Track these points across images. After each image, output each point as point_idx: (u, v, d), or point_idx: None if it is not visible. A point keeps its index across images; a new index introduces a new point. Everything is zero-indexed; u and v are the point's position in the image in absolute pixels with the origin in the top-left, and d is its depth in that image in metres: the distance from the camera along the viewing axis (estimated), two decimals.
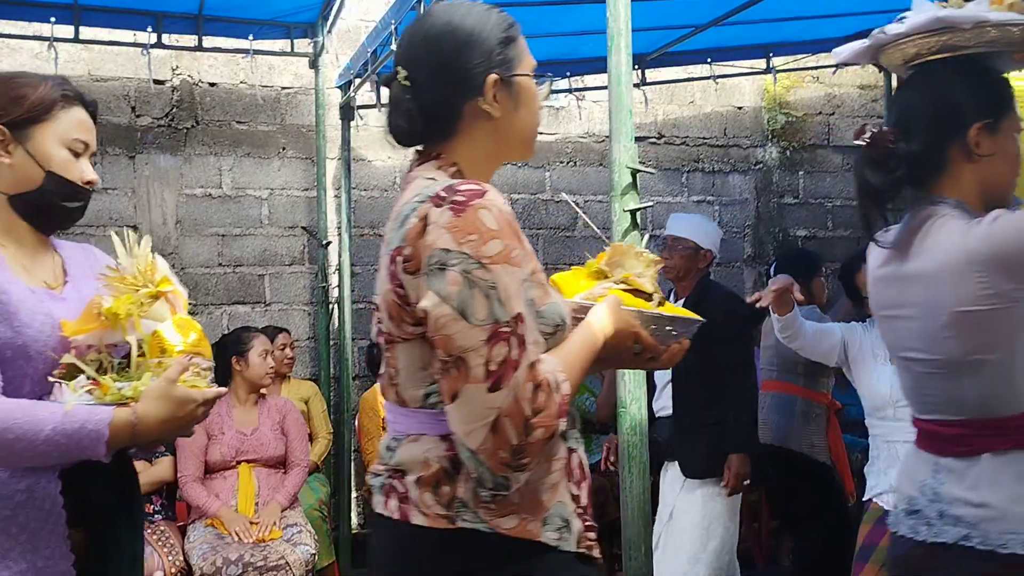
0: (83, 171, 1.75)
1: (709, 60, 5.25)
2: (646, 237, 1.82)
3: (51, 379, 1.64)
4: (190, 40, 4.89)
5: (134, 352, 1.66)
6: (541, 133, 5.87)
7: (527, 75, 1.49)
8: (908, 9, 1.71)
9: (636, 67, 5.19)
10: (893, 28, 1.70)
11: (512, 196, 5.71)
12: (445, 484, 1.36)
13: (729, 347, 3.60)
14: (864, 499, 3.29)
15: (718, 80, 5.40)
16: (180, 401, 1.61)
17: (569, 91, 5.47)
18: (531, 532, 1.37)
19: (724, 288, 4.12)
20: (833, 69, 5.40)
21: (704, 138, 6.13)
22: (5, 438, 1.53)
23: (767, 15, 4.47)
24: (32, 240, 1.76)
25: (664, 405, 3.84)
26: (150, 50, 4.66)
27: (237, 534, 3.75)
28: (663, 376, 3.84)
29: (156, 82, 5.09)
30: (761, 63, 5.34)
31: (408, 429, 1.42)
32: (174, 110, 5.20)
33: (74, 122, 1.74)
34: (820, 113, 6.37)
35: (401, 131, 1.49)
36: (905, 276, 1.71)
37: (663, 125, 6.00)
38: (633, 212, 2.14)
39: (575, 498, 1.42)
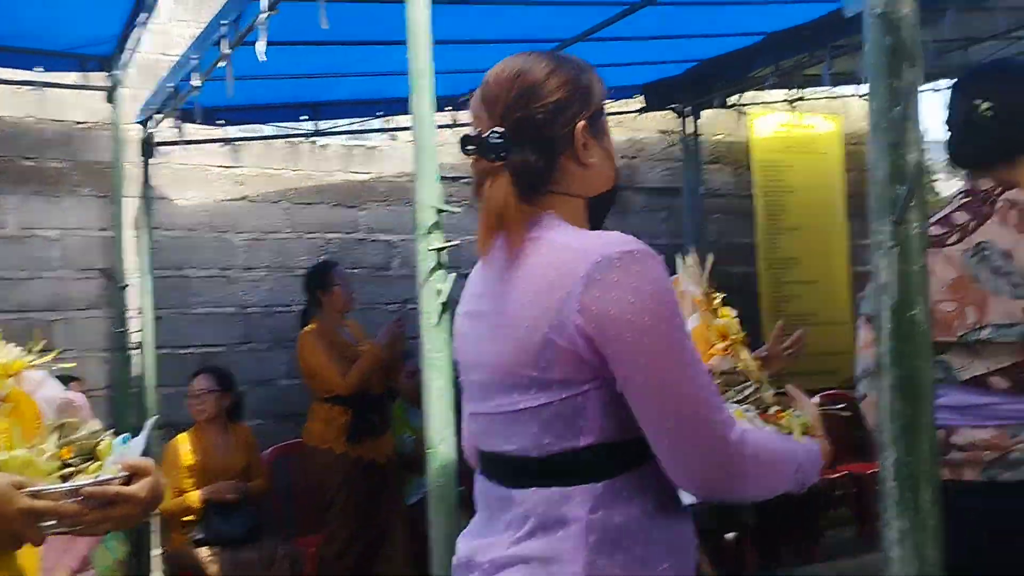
0: None
1: None
2: (451, 276, 1.83)
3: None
4: None
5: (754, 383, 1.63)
6: (355, 172, 5.88)
7: None
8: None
9: (449, 108, 5.24)
10: None
11: (327, 235, 5.62)
12: None
13: None
14: None
15: None
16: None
17: (383, 131, 5.46)
18: None
19: None
20: (635, 114, 5.66)
21: None
22: (775, 468, 1.32)
23: None
24: None
25: None
26: None
27: None
28: None
29: None
30: None
31: None
32: None
33: None
34: (624, 156, 6.65)
35: (974, 155, 1.88)
36: None
37: None
38: (438, 251, 2.14)
39: None
